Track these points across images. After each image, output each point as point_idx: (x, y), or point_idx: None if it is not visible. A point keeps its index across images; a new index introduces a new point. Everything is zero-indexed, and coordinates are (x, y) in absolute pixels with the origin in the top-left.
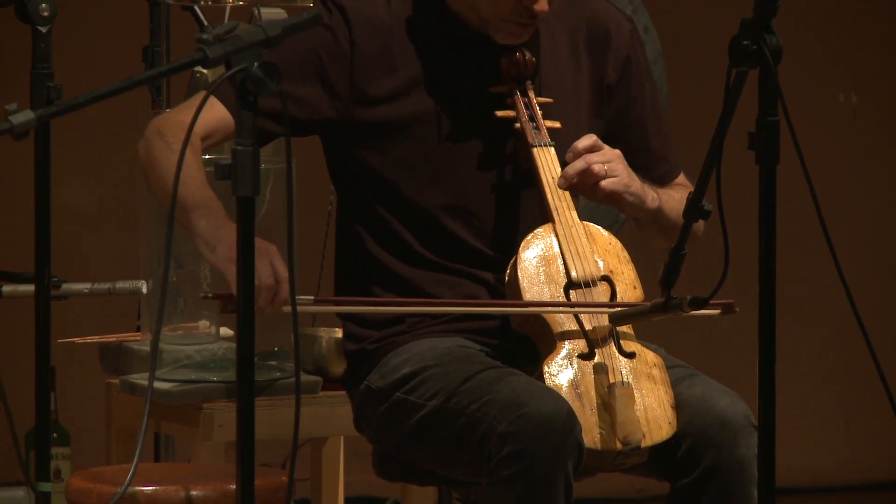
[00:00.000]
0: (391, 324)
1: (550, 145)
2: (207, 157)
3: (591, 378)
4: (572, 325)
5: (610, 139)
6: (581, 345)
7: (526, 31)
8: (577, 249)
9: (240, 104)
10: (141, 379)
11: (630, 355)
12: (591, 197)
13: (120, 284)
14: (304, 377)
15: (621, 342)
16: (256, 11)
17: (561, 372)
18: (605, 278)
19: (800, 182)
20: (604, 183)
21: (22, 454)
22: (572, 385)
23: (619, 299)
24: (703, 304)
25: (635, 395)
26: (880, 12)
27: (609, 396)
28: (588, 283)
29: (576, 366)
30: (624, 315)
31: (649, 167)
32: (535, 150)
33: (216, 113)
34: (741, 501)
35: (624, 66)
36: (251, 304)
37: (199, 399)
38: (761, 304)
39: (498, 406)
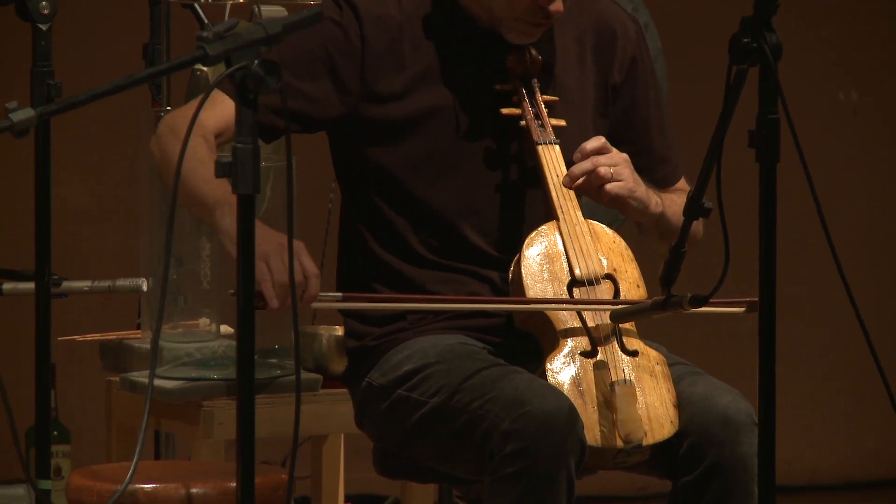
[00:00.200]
0: (393, 320)
1: (556, 143)
2: None
3: (593, 376)
4: (575, 323)
5: (614, 140)
6: (584, 342)
7: (538, 30)
8: (580, 247)
9: (240, 101)
10: (141, 377)
11: (633, 353)
12: (595, 199)
13: (120, 282)
14: (305, 375)
15: (624, 340)
16: (257, 9)
17: (563, 369)
18: (609, 276)
19: (800, 180)
20: (609, 186)
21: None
22: (574, 383)
23: (622, 297)
24: (703, 301)
25: (637, 393)
26: (880, 10)
27: (611, 394)
28: (591, 281)
29: (578, 363)
30: (624, 313)
31: (651, 169)
32: (540, 147)
33: (228, 110)
34: (743, 499)
35: (630, 67)
36: (251, 301)
37: (199, 397)
38: (762, 302)
39: (501, 404)
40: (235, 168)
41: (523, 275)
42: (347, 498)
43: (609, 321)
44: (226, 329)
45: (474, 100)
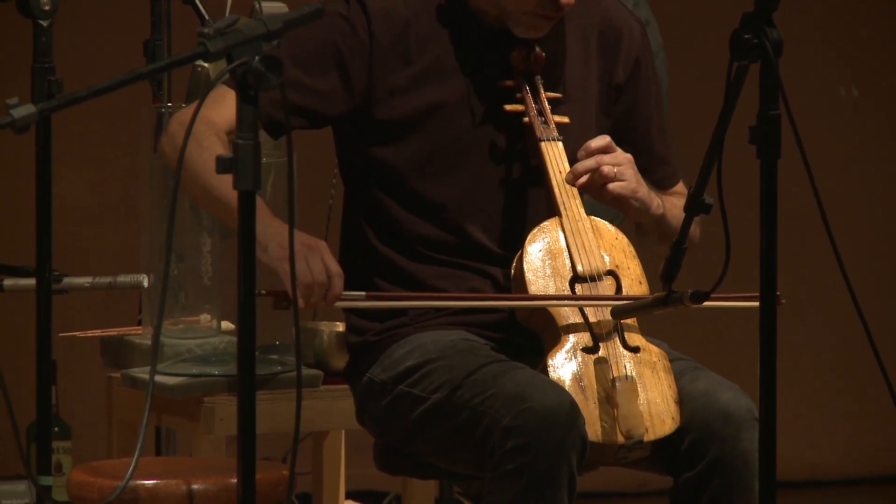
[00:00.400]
0: (393, 316)
1: (559, 140)
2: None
3: (594, 372)
4: (577, 319)
5: (614, 139)
6: (585, 338)
7: (548, 24)
8: (583, 244)
9: (241, 98)
10: (142, 373)
11: (634, 349)
12: (597, 198)
13: (121, 278)
14: (305, 371)
15: (625, 336)
16: (257, 5)
17: (565, 365)
18: (611, 273)
19: (801, 177)
20: (612, 185)
21: (23, 448)
22: (576, 378)
23: (624, 294)
24: (704, 298)
25: (639, 389)
26: (881, 6)
27: (612, 390)
28: (594, 278)
29: (580, 359)
30: (625, 309)
31: (650, 170)
32: (543, 144)
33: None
34: (744, 495)
35: (633, 67)
36: (252, 299)
37: (200, 393)
38: (762, 298)
39: (502, 400)
40: (236, 164)
41: (525, 270)
42: (348, 494)
43: (611, 317)
44: (227, 325)
45: (478, 96)
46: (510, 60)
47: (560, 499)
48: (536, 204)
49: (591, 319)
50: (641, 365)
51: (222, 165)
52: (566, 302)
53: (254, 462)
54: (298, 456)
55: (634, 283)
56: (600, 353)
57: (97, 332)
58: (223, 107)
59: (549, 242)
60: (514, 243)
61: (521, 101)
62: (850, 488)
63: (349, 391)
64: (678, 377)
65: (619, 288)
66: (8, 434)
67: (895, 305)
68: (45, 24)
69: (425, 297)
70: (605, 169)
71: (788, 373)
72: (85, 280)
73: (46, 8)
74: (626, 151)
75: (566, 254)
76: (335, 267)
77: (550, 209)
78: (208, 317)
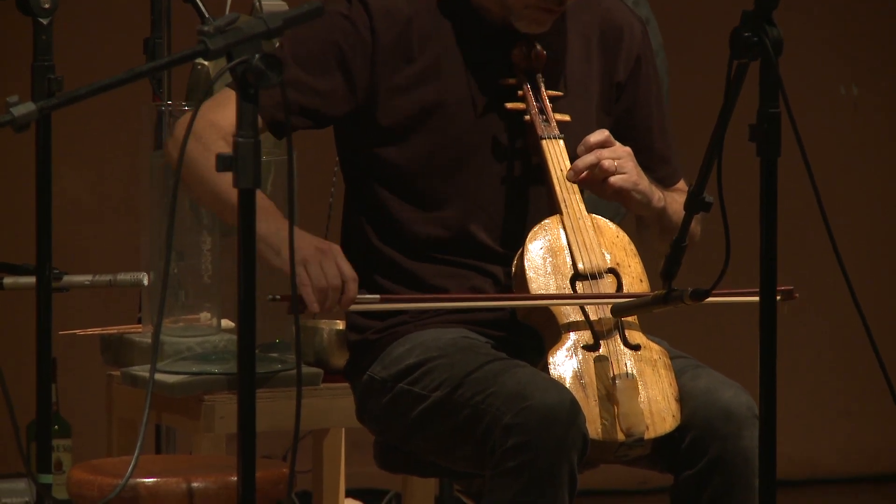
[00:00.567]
0: (394, 314)
1: (560, 138)
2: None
3: (595, 369)
4: (578, 317)
5: (616, 138)
6: (586, 336)
7: (550, 18)
8: (584, 241)
9: (241, 96)
10: (142, 371)
11: (635, 347)
12: (598, 193)
13: (121, 276)
14: (306, 369)
15: (626, 334)
16: (257, 3)
17: (565, 363)
18: (612, 271)
19: (801, 176)
20: (613, 179)
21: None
22: (576, 376)
23: (625, 292)
24: (704, 296)
25: (639, 387)
26: (881, 4)
27: (613, 388)
28: (594, 276)
29: (580, 357)
30: (626, 307)
31: (651, 168)
32: (544, 142)
33: None
34: (745, 493)
35: (634, 65)
36: (252, 297)
37: (200, 391)
38: (762, 295)
39: (502, 398)
40: (236, 162)
41: (526, 268)
42: (348, 492)
43: (611, 315)
44: (227, 323)
45: (480, 94)
46: (512, 58)
47: (561, 497)
48: (538, 202)
49: (592, 317)
50: (642, 363)
51: (222, 163)
52: (568, 301)
53: (254, 460)
54: (298, 454)
55: (635, 280)
56: (601, 350)
57: (97, 331)
58: (228, 109)
59: (549, 240)
60: (516, 241)
61: (523, 98)
62: (851, 486)
63: (349, 389)
64: (679, 375)
65: (619, 286)
66: (8, 432)
67: (895, 304)
68: (45, 22)
69: (439, 300)
70: (606, 163)
71: (789, 371)
72: (85, 278)
73: (46, 6)
74: None
75: (567, 251)
76: (349, 271)
77: (551, 207)
78: (208, 315)
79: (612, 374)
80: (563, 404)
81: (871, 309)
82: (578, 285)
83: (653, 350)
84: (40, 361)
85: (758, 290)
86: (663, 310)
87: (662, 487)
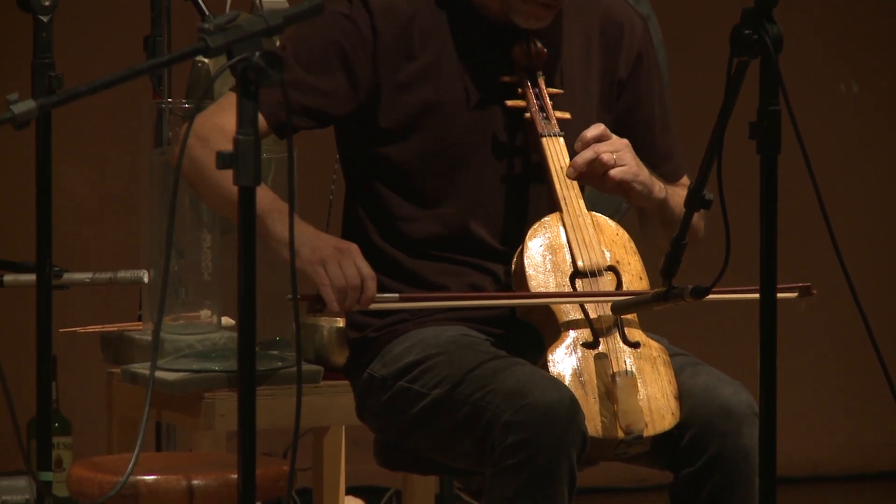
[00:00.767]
0: (393, 311)
1: (560, 135)
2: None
3: (594, 367)
4: (577, 315)
5: (617, 134)
6: (585, 334)
7: (549, 13)
8: (583, 239)
9: (241, 93)
10: (142, 368)
11: (634, 345)
12: (599, 186)
13: (121, 274)
14: (306, 366)
15: (626, 331)
16: (258, 1)
17: (565, 360)
18: (611, 268)
19: (801, 175)
20: (613, 172)
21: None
22: (576, 374)
23: (624, 289)
24: (704, 293)
25: (638, 384)
26: (881, 2)
27: (612, 385)
28: (594, 273)
29: (580, 354)
30: (625, 304)
31: (654, 165)
32: (544, 139)
33: None
34: (744, 490)
35: (636, 62)
36: (252, 295)
37: (200, 388)
38: (762, 292)
39: (502, 395)
40: (237, 160)
41: (526, 266)
42: (348, 490)
43: (611, 313)
44: (227, 321)
45: (480, 92)
46: (512, 55)
47: (560, 494)
48: (538, 200)
49: (592, 315)
50: (641, 360)
51: (223, 161)
52: (571, 299)
53: (254, 458)
54: (299, 451)
55: (635, 278)
56: (600, 348)
57: (97, 328)
58: (233, 113)
59: (549, 238)
60: (516, 239)
61: (523, 96)
62: (851, 484)
63: (349, 387)
64: (678, 372)
65: (619, 283)
66: (8, 430)
67: (895, 302)
68: (45, 19)
69: (456, 297)
70: (605, 157)
71: (789, 369)
72: (85, 276)
73: (46, 3)
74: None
75: (567, 249)
76: (368, 270)
77: (551, 205)
78: (208, 312)
79: (611, 372)
80: (563, 402)
81: (872, 306)
82: (578, 283)
83: (652, 347)
84: (40, 359)
85: (751, 288)
86: (663, 307)
87: (661, 485)
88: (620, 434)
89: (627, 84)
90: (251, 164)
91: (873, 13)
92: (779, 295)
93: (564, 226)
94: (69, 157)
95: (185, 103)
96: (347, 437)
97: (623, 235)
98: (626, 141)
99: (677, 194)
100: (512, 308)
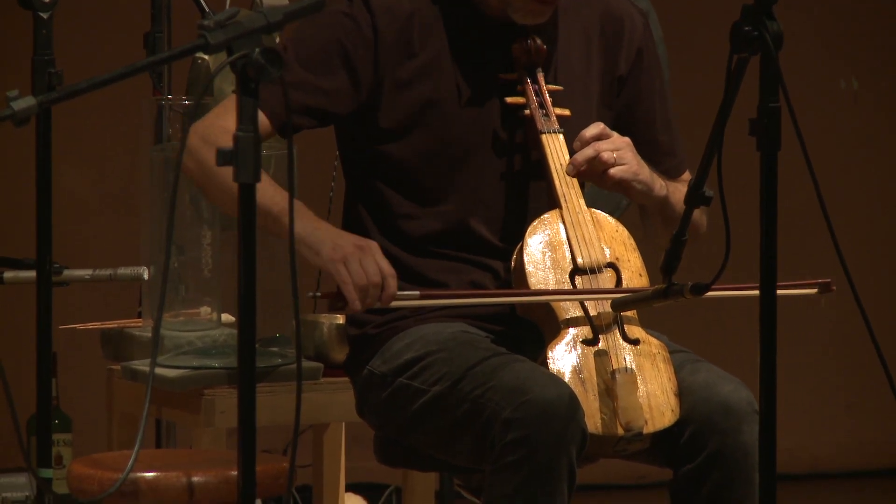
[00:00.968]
0: (394, 308)
1: (560, 132)
2: None
3: (594, 364)
4: (577, 312)
5: (618, 131)
6: (585, 331)
7: (547, 8)
8: (583, 236)
9: (241, 90)
10: (142, 365)
11: (634, 342)
12: (599, 184)
13: (121, 271)
14: (306, 363)
15: (625, 328)
16: None
17: (564, 357)
18: (611, 265)
19: (801, 172)
20: (613, 170)
21: (23, 440)
22: (575, 371)
23: (624, 286)
24: (704, 290)
25: (638, 381)
26: (880, 2)
27: (612, 382)
28: (594, 270)
29: (579, 351)
30: (625, 301)
31: (656, 161)
32: (543, 136)
33: None
34: (744, 487)
35: (636, 58)
36: (252, 292)
37: (200, 385)
38: (762, 290)
39: (502, 392)
40: (236, 157)
41: (525, 263)
42: (348, 486)
43: (611, 310)
44: (227, 317)
45: (480, 89)
46: (512, 52)
47: (560, 491)
48: (538, 197)
49: (591, 312)
50: (641, 357)
51: (223, 157)
52: (568, 296)
53: (254, 455)
54: (299, 448)
55: (635, 275)
56: (600, 345)
57: (97, 325)
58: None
59: (549, 234)
60: (515, 236)
61: (523, 93)
62: (851, 481)
63: (349, 384)
64: (678, 369)
65: (619, 280)
66: (8, 427)
67: (895, 299)
68: (45, 16)
69: (476, 295)
70: (605, 155)
71: (789, 366)
72: (85, 272)
73: (47, 0)
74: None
75: (566, 246)
76: (388, 268)
77: (551, 201)
78: (208, 309)
79: (611, 369)
80: (563, 399)
81: (872, 303)
82: (578, 280)
83: (652, 344)
84: (40, 356)
85: (752, 285)
86: (663, 304)
87: (661, 482)
88: (620, 431)
89: (628, 80)
90: (251, 160)
91: (873, 13)
92: (798, 292)
93: (564, 223)
94: (69, 153)
95: (185, 100)
96: (347, 433)
97: (623, 232)
98: (627, 139)
99: (679, 191)
100: (512, 305)
